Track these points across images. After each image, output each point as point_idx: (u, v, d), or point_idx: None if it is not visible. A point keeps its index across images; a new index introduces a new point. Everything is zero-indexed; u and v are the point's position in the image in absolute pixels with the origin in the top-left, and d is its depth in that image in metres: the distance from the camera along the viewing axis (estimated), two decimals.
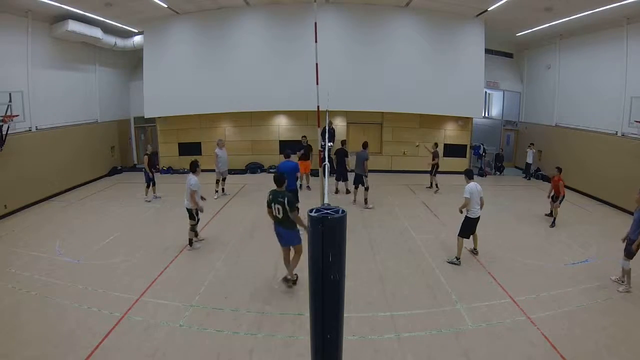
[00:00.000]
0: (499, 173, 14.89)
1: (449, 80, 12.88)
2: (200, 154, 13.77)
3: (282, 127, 14.47)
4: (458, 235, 6.75)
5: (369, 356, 4.40)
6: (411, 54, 12.76)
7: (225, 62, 12.79)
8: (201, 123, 14.23)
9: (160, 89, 12.92)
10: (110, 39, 12.93)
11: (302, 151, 11.31)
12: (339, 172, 10.90)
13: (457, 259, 6.73)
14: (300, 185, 11.22)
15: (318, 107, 5.65)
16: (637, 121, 9.66)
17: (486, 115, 15.47)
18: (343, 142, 11.08)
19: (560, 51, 13.30)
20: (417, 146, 12.63)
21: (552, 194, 8.99)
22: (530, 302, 5.52)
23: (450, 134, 14.47)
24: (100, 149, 13.61)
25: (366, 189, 9.87)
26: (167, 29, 12.90)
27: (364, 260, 6.84)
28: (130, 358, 4.32)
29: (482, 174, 14.22)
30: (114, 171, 14.30)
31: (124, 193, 11.65)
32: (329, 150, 11.50)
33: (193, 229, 7.26)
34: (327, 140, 9.43)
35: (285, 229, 5.58)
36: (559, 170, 8.86)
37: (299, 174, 8.40)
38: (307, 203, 3.71)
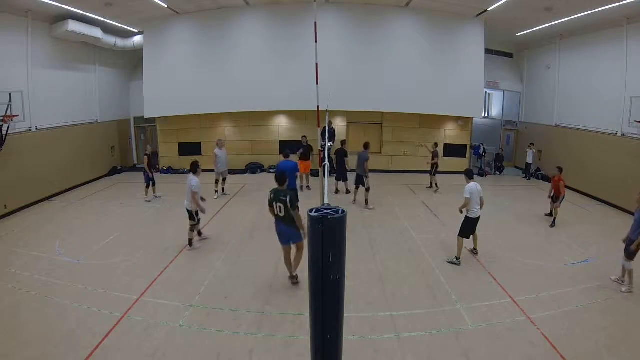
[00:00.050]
0: (499, 173, 14.89)
1: (449, 80, 12.88)
2: (200, 154, 13.77)
3: (282, 127, 14.47)
4: (458, 235, 6.75)
5: (369, 356, 4.40)
6: (411, 54, 12.76)
7: (225, 62, 12.79)
8: (201, 123, 14.23)
9: (160, 89, 12.92)
10: (110, 39, 12.93)
11: (301, 150, 11.31)
12: (339, 172, 10.90)
13: (457, 259, 6.74)
14: (301, 187, 11.22)
15: (318, 107, 5.65)
16: (637, 121, 9.66)
17: (486, 115, 15.47)
18: (343, 142, 11.08)
19: (560, 51, 13.30)
20: (419, 146, 12.64)
21: (552, 194, 8.99)
22: (530, 302, 5.52)
23: (450, 134, 14.47)
24: (100, 149, 13.61)
25: (367, 189, 9.86)
26: (167, 29, 12.90)
27: (364, 260, 6.84)
28: (130, 358, 4.32)
29: (482, 174, 14.22)
30: (114, 171, 14.30)
31: (124, 193, 11.65)
32: (329, 150, 11.51)
33: (193, 229, 7.26)
34: (327, 140, 9.43)
35: (287, 226, 5.62)
36: (560, 170, 8.85)
37: (298, 174, 8.44)
38: (307, 203, 3.71)
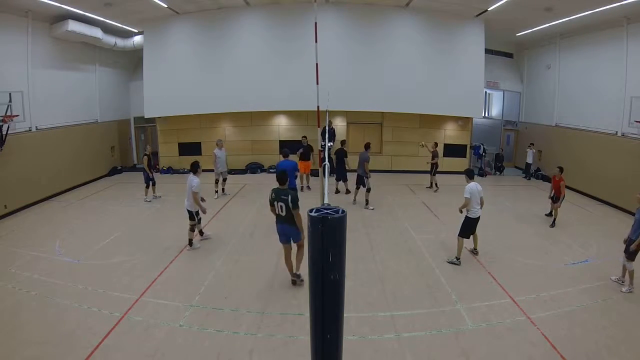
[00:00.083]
0: (499, 173, 14.90)
1: (449, 80, 12.88)
2: (200, 154, 13.78)
3: (282, 127, 14.48)
4: (458, 235, 6.75)
5: (369, 356, 4.40)
6: (411, 54, 12.76)
7: (225, 62, 12.79)
8: (201, 123, 14.24)
9: (160, 89, 12.92)
10: (110, 39, 12.93)
11: (301, 150, 11.30)
12: (339, 172, 10.90)
13: (457, 259, 6.74)
14: (301, 187, 11.22)
15: (318, 107, 5.66)
16: (637, 121, 9.66)
17: (486, 115, 15.47)
18: (343, 142, 11.09)
19: (560, 51, 13.31)
20: (421, 146, 12.67)
21: (553, 194, 8.98)
22: (530, 302, 5.52)
23: (450, 134, 14.47)
24: (100, 149, 13.61)
25: (368, 190, 9.85)
26: (167, 29, 12.90)
27: (364, 260, 6.84)
28: (130, 358, 4.32)
29: (482, 174, 14.22)
30: (114, 171, 14.30)
31: (124, 193, 11.65)
32: (329, 150, 11.51)
33: (193, 229, 7.27)
34: (327, 140, 9.43)
35: (287, 226, 5.64)
36: (561, 170, 8.84)
37: (297, 173, 8.45)
38: (307, 203, 3.72)
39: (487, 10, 11.73)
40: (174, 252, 7.14)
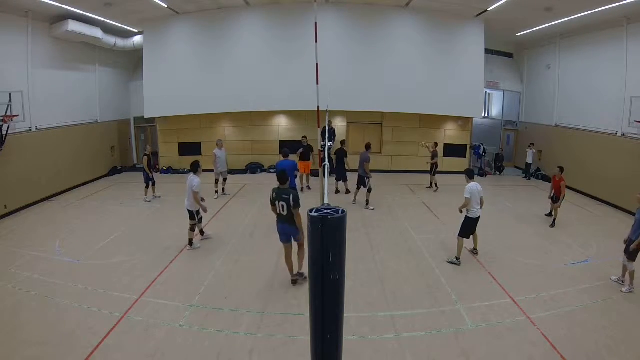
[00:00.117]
0: (499, 173, 14.90)
1: (449, 80, 12.87)
2: (200, 154, 13.77)
3: (282, 127, 14.48)
4: (458, 235, 6.75)
5: (369, 356, 4.40)
6: (411, 54, 12.76)
7: (225, 62, 12.79)
8: (201, 123, 14.24)
9: (160, 89, 12.92)
10: (110, 39, 12.92)
11: (300, 150, 11.30)
12: (338, 172, 10.90)
13: (457, 259, 6.73)
14: (302, 188, 11.22)
15: (318, 107, 5.66)
16: (637, 121, 9.66)
17: (486, 115, 15.48)
18: (342, 142, 11.09)
19: (560, 51, 13.31)
20: (422, 146, 12.68)
21: (553, 194, 8.98)
22: (530, 302, 5.52)
23: (450, 134, 14.47)
24: (100, 149, 13.61)
25: (368, 190, 9.84)
26: (167, 29, 12.90)
27: (364, 260, 6.84)
28: (130, 358, 4.32)
29: (482, 174, 14.22)
30: (114, 171, 14.30)
31: (124, 193, 11.65)
32: (329, 150, 11.50)
33: (193, 229, 7.27)
34: (327, 140, 9.43)
35: (288, 225, 5.65)
36: (561, 169, 8.83)
37: (297, 173, 8.47)
38: (307, 203, 3.73)
39: (487, 10, 11.73)
40: (174, 252, 7.15)
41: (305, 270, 5.97)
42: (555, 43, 13.43)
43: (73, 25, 10.95)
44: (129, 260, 6.81)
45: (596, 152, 11.39)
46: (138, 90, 14.08)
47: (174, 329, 4.84)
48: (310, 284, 1.39)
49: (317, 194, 10.54)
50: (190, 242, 7.28)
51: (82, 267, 6.57)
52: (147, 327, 4.86)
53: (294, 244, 5.88)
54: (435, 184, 11.99)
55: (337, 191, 11.33)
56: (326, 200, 1.59)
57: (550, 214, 9.15)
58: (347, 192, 11.13)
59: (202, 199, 7.26)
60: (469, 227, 6.71)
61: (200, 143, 14.34)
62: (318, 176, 11.76)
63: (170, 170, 14.36)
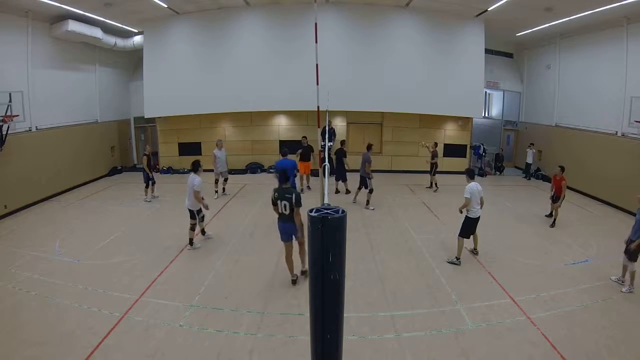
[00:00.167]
0: (499, 173, 14.90)
1: (449, 80, 12.88)
2: (200, 154, 13.77)
3: (282, 127, 14.48)
4: (458, 235, 6.75)
5: (369, 356, 4.40)
6: (411, 54, 12.76)
7: (225, 62, 12.79)
8: (201, 123, 14.24)
9: (160, 89, 12.92)
10: (110, 39, 12.92)
11: (300, 151, 11.28)
12: (338, 172, 10.89)
13: (457, 259, 6.73)
14: (301, 189, 11.21)
15: (318, 107, 5.66)
16: (637, 121, 9.66)
17: (486, 115, 15.48)
18: (342, 142, 11.08)
19: (560, 51, 13.31)
20: (423, 146, 12.70)
21: (553, 194, 8.97)
22: (530, 302, 5.52)
23: (450, 134, 14.47)
24: (100, 149, 13.61)
25: (370, 191, 9.82)
26: (167, 29, 12.90)
27: (364, 260, 6.84)
28: (130, 358, 4.32)
29: (482, 174, 14.22)
30: (114, 171, 14.30)
31: (124, 193, 11.65)
32: (329, 150, 11.50)
33: (193, 228, 7.28)
34: (327, 140, 9.43)
35: (291, 224, 5.68)
36: (562, 169, 8.83)
37: (297, 172, 8.49)
38: (307, 203, 3.74)
39: (487, 10, 11.73)
40: (174, 252, 7.15)
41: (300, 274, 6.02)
42: (555, 43, 13.43)
43: (73, 25, 10.95)
44: (129, 260, 6.81)
45: (596, 152, 11.39)
46: (138, 90, 14.08)
47: (174, 329, 4.84)
48: (310, 284, 1.39)
49: (317, 194, 10.54)
50: (191, 242, 7.29)
51: (82, 267, 6.57)
52: (147, 327, 4.86)
53: (295, 244, 5.89)
54: (435, 184, 11.99)
55: (337, 191, 11.32)
56: (326, 200, 1.59)
57: (550, 215, 9.15)
58: (347, 192, 11.13)
59: (202, 198, 7.27)
60: (469, 227, 6.71)
61: (200, 143, 14.34)
62: (318, 176, 11.76)
63: (170, 170, 14.37)
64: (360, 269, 6.49)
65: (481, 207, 6.71)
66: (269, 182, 11.43)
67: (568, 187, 9.05)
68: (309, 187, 11.65)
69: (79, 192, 11.75)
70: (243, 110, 13.46)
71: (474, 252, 7.14)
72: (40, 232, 8.28)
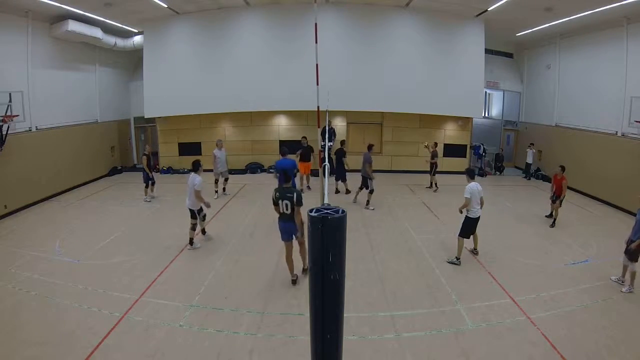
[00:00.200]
0: (499, 173, 14.90)
1: (449, 80, 12.88)
2: (201, 154, 13.77)
3: (282, 127, 14.48)
4: (458, 235, 6.75)
5: (369, 356, 4.40)
6: (411, 54, 12.76)
7: (225, 62, 12.79)
8: (201, 123, 14.24)
9: (160, 89, 12.92)
10: (110, 39, 12.92)
11: (300, 151, 11.27)
12: (338, 172, 10.89)
13: (457, 259, 6.73)
14: (301, 189, 11.21)
15: (318, 107, 5.66)
16: (637, 121, 9.66)
17: (486, 115, 15.48)
18: (342, 142, 11.08)
19: (560, 51, 13.31)
20: (425, 146, 12.73)
21: (553, 194, 8.96)
22: (530, 302, 5.52)
23: (450, 134, 14.47)
24: (100, 149, 13.61)
25: (370, 192, 9.81)
26: (167, 29, 12.90)
27: (364, 260, 6.84)
28: (130, 358, 4.32)
29: (482, 174, 14.21)
30: (114, 171, 14.30)
31: (124, 193, 11.65)
32: (329, 150, 11.49)
33: (194, 228, 7.28)
34: (327, 140, 9.42)
35: (292, 223, 5.70)
36: (562, 168, 8.82)
37: (296, 171, 8.50)
38: (307, 203, 3.77)
39: (487, 10, 11.73)
40: (174, 251, 7.15)
41: (300, 274, 6.05)
42: (555, 43, 13.43)
43: (73, 25, 10.95)
44: (129, 260, 6.81)
45: (596, 152, 11.39)
46: (138, 90, 14.08)
47: (174, 329, 4.84)
48: (310, 284, 1.39)
49: (317, 194, 10.54)
50: (191, 241, 7.29)
51: (82, 267, 6.57)
52: (147, 327, 4.86)
53: (295, 243, 5.90)
54: (435, 184, 11.99)
55: (337, 191, 11.32)
56: (326, 200, 1.59)
57: (550, 215, 9.14)
58: (347, 192, 11.13)
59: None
60: (469, 227, 6.71)
61: (200, 143, 14.34)
62: (318, 176, 11.76)
63: (170, 170, 14.37)
64: (360, 269, 6.49)
65: (481, 207, 6.71)
66: (269, 182, 11.43)
67: (568, 187, 9.04)
68: (309, 187, 11.65)
69: (79, 192, 11.75)
70: (243, 110, 13.46)
71: (474, 252, 7.14)
72: (40, 232, 8.28)
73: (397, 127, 14.33)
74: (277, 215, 5.87)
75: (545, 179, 13.51)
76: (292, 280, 5.94)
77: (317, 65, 5.29)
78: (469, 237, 6.83)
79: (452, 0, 11.46)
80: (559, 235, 8.29)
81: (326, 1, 12.51)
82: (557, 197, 8.77)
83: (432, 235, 8.08)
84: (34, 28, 10.36)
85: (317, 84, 5.31)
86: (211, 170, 10.83)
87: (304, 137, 11.56)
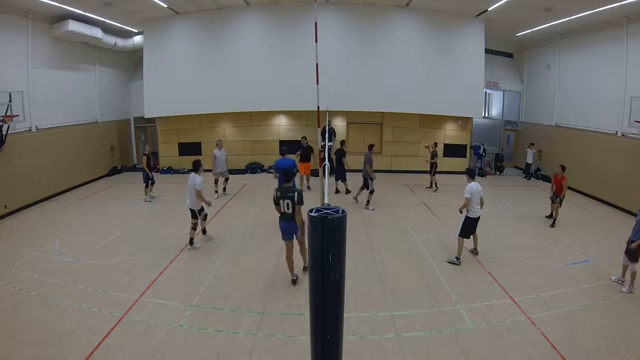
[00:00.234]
0: (499, 173, 14.90)
1: (449, 80, 12.88)
2: (201, 154, 13.77)
3: (282, 127, 14.48)
4: (458, 235, 6.75)
5: (369, 356, 4.40)
6: (411, 54, 12.76)
7: (225, 62, 12.79)
8: (201, 123, 14.24)
9: (160, 89, 12.92)
10: (110, 39, 12.92)
11: (299, 152, 11.26)
12: (338, 172, 10.88)
13: (457, 259, 6.73)
14: (302, 189, 11.19)
15: (318, 107, 5.65)
16: (637, 121, 9.65)
17: (486, 115, 15.48)
18: (342, 142, 11.08)
19: (560, 51, 13.31)
20: (425, 146, 12.73)
21: (553, 194, 8.96)
22: (530, 302, 5.52)
23: (450, 134, 14.47)
24: (100, 149, 13.61)
25: (371, 192, 9.80)
26: (167, 29, 12.90)
27: (364, 260, 6.84)
28: (130, 358, 4.32)
29: (482, 174, 14.21)
30: (114, 171, 14.30)
31: (124, 193, 11.65)
32: (329, 150, 11.49)
33: (195, 227, 7.29)
34: (327, 140, 9.42)
35: (293, 223, 5.71)
36: (563, 168, 8.81)
37: (296, 171, 8.52)
38: (307, 203, 3.79)
39: (487, 10, 11.73)
40: (174, 251, 7.15)
41: (300, 272, 6.06)
42: (555, 43, 13.43)
43: (73, 25, 10.95)
44: (129, 260, 6.81)
45: (596, 152, 11.39)
46: (138, 90, 14.08)
47: (174, 329, 4.84)
48: (310, 284, 1.39)
49: (317, 194, 10.54)
50: (191, 241, 7.29)
51: (82, 267, 6.57)
52: (147, 327, 4.86)
53: (295, 243, 5.91)
54: (435, 184, 11.99)
55: (337, 191, 11.32)
56: (326, 200, 1.59)
57: (550, 216, 9.13)
58: (347, 192, 11.12)
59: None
60: (469, 227, 6.71)
61: (200, 143, 14.34)
62: (318, 176, 11.75)
63: (170, 170, 14.37)
64: (360, 269, 6.49)
65: (481, 207, 6.71)
66: (269, 182, 11.42)
67: (568, 187, 9.04)
68: (309, 187, 11.64)
69: (79, 192, 11.75)
70: (243, 110, 13.47)
71: (474, 252, 7.14)
72: (40, 232, 8.28)
73: (397, 127, 14.33)
74: (277, 215, 5.87)
75: (545, 179, 13.51)
76: (292, 280, 5.94)
77: (317, 65, 5.29)
78: (469, 237, 6.83)
79: (452, 0, 11.46)
80: (559, 235, 8.29)
81: (326, 1, 12.51)
82: (557, 197, 8.76)
83: (432, 235, 8.08)
84: (34, 28, 10.35)
85: (317, 84, 5.31)
86: (211, 170, 10.83)
87: (304, 137, 11.56)
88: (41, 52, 10.78)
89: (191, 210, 7.18)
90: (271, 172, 13.10)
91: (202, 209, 7.34)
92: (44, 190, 10.66)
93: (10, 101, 9.12)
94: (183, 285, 5.95)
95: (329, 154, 10.97)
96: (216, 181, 10.85)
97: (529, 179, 14.09)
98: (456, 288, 5.90)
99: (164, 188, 11.57)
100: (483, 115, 14.89)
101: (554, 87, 13.60)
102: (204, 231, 7.73)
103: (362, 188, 10.07)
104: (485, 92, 14.56)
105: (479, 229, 6.92)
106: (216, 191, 10.86)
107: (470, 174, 6.79)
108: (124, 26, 13.04)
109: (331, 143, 12.36)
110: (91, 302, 5.40)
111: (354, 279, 6.04)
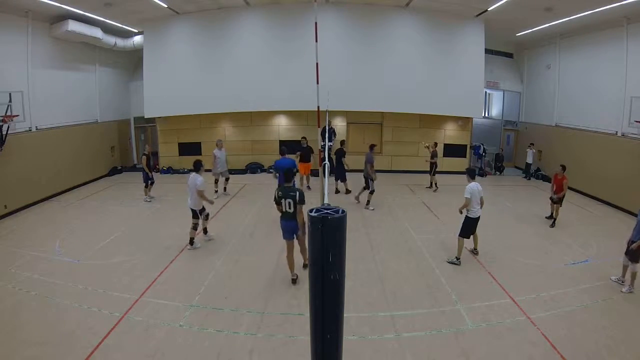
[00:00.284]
0: (499, 173, 14.90)
1: (449, 80, 12.88)
2: (201, 154, 13.76)
3: (282, 127, 14.48)
4: (458, 235, 6.75)
5: (369, 356, 4.40)
6: (411, 54, 12.76)
7: (225, 62, 12.79)
8: (201, 123, 14.24)
9: (160, 89, 12.92)
10: (110, 39, 12.92)
11: (299, 152, 11.26)
12: (338, 172, 10.88)
13: (457, 259, 6.73)
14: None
15: (318, 107, 5.65)
16: (637, 121, 9.65)
17: (486, 115, 15.48)
18: (342, 142, 11.08)
19: (560, 51, 13.31)
20: (425, 146, 12.72)
21: (553, 194, 8.95)
22: (530, 302, 5.52)
23: (450, 134, 14.47)
24: (100, 149, 13.61)
25: (371, 192, 9.80)
26: (167, 29, 12.90)
27: (364, 260, 6.84)
28: (130, 358, 4.32)
29: (482, 174, 14.21)
30: (114, 171, 14.30)
31: (124, 193, 11.65)
32: (329, 150, 11.49)
33: (195, 227, 7.29)
34: (327, 140, 9.42)
35: (295, 222, 5.74)
36: (563, 168, 8.80)
37: (296, 171, 8.54)
38: (308, 203, 3.79)
39: (487, 10, 11.73)
40: (174, 251, 7.15)
41: (300, 272, 6.07)
42: (555, 43, 13.43)
43: (73, 25, 10.95)
44: (129, 260, 6.81)
45: (596, 152, 11.39)
46: (138, 90, 14.09)
47: (174, 329, 4.84)
48: (310, 284, 1.39)
49: (317, 194, 10.54)
50: (191, 241, 7.29)
51: (82, 267, 6.57)
52: (147, 327, 4.86)
53: (296, 242, 5.93)
54: (435, 184, 11.99)
55: (337, 191, 11.32)
56: (326, 200, 1.59)
57: (550, 217, 9.12)
58: (347, 192, 11.13)
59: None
60: (469, 227, 6.71)
61: (200, 143, 14.34)
62: (318, 176, 11.75)
63: (170, 170, 14.37)
64: (360, 269, 6.49)
65: (481, 207, 6.71)
66: (269, 182, 11.43)
67: (568, 187, 9.03)
68: (309, 187, 11.64)
69: (79, 192, 11.75)
70: (243, 110, 13.47)
71: (474, 252, 7.14)
72: (40, 232, 8.28)
73: (397, 127, 14.33)
74: (278, 215, 5.88)
75: (545, 179, 13.51)
76: (292, 279, 5.95)
77: (317, 64, 5.28)
78: (469, 237, 6.83)
79: (452, 0, 11.46)
80: (559, 235, 8.29)
81: (326, 1, 12.51)
82: (557, 197, 8.75)
83: (432, 235, 8.08)
84: (34, 28, 10.35)
85: (317, 84, 5.30)
86: (211, 171, 10.82)
87: (304, 138, 11.56)
88: (41, 52, 10.78)
89: (192, 210, 7.19)
90: (271, 172, 13.10)
91: (203, 209, 7.35)
92: (44, 190, 10.67)
93: (10, 101, 9.12)
94: (183, 285, 5.95)
95: (328, 154, 10.97)
96: (216, 181, 10.85)
97: (529, 179, 14.10)
98: (456, 288, 5.90)
99: (164, 188, 11.57)
100: (483, 115, 14.89)
101: (554, 87, 13.60)
102: (205, 231, 7.73)
103: (363, 189, 10.07)
104: (485, 92, 14.56)
105: (479, 229, 6.92)
106: (216, 191, 10.86)
107: (471, 174, 6.79)
108: (124, 26, 13.04)
109: (331, 143, 12.36)
110: (91, 302, 5.40)
111: (354, 279, 6.04)
